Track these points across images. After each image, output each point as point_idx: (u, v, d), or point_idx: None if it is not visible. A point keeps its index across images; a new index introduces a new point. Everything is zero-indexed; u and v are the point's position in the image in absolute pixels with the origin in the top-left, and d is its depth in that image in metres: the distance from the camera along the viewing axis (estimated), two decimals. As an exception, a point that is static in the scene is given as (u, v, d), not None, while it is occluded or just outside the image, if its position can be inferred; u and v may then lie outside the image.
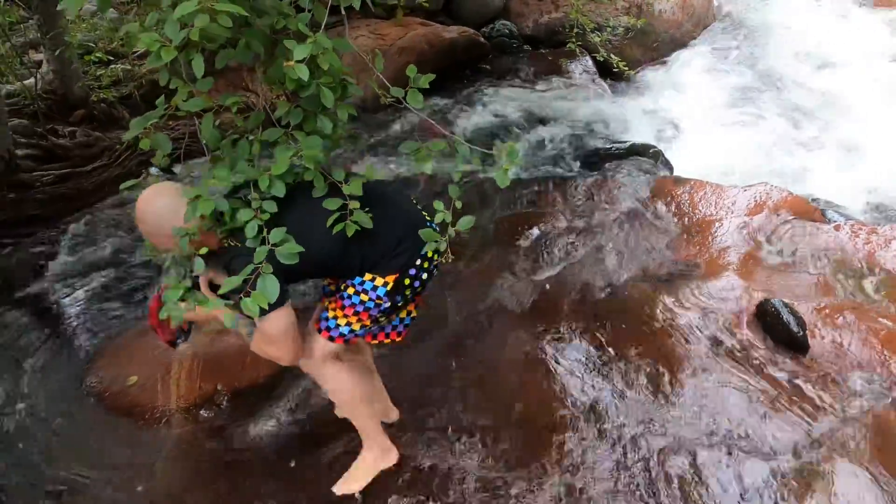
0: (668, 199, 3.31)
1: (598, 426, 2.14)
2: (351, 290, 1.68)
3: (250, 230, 1.30)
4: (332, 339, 1.74)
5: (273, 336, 1.62)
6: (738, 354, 2.36)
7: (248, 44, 1.44)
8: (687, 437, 2.08)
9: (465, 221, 1.39)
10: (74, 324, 2.81)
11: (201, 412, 2.33)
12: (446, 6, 5.73)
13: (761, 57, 5.63)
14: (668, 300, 2.61)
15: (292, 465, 2.11)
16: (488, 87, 4.78)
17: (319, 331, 1.74)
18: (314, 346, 1.75)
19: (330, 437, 2.18)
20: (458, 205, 1.42)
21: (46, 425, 2.33)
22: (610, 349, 2.43)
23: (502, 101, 4.57)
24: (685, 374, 2.30)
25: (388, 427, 2.10)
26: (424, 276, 1.74)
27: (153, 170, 1.62)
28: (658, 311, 2.57)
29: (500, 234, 3.15)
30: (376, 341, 1.93)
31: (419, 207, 1.79)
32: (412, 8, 5.37)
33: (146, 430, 2.29)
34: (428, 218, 1.76)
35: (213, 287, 1.67)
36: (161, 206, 1.56)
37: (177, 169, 3.54)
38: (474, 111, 4.47)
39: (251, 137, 1.37)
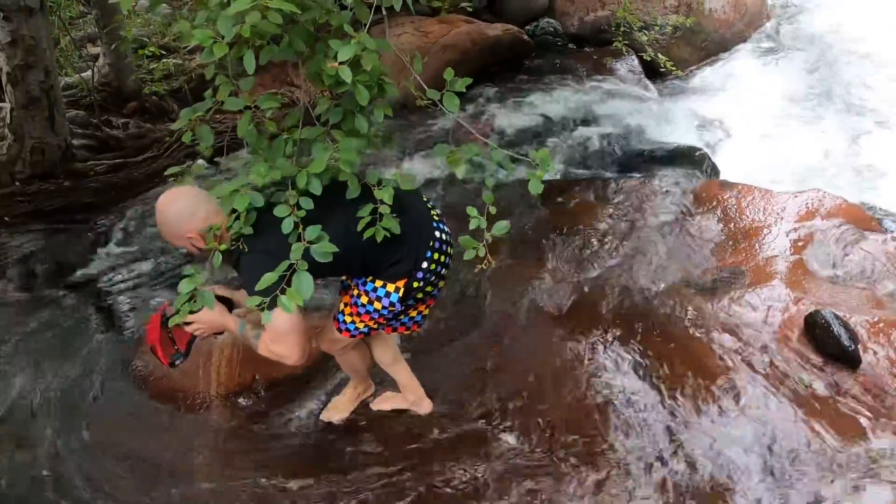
0: (714, 203, 3.22)
1: (632, 435, 2.10)
2: (365, 299, 1.77)
3: (286, 226, 1.31)
4: (346, 331, 1.87)
5: (280, 333, 1.63)
6: (785, 367, 2.28)
7: (291, 41, 1.46)
8: (727, 452, 2.02)
9: (500, 227, 1.38)
10: (123, 308, 2.92)
11: (240, 400, 2.39)
12: (491, 4, 5.70)
13: (816, 58, 5.41)
14: (712, 308, 2.53)
15: (325, 453, 2.14)
16: (531, 85, 4.73)
17: (339, 330, 1.87)
18: (333, 338, 1.92)
19: (363, 429, 2.21)
20: (493, 210, 1.40)
21: (94, 404, 2.42)
22: (649, 356, 2.38)
23: (545, 101, 4.52)
24: (727, 386, 2.23)
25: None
26: (433, 278, 1.78)
27: (199, 161, 1.66)
28: (700, 318, 2.50)
29: (538, 233, 3.12)
30: (387, 332, 2.03)
31: (429, 206, 1.81)
32: (456, 6, 5.36)
33: (187, 413, 2.36)
34: (436, 218, 1.78)
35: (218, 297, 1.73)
36: (179, 208, 1.62)
37: (220, 160, 3.64)
38: (516, 110, 4.43)
39: (286, 136, 1.38)
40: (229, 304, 1.84)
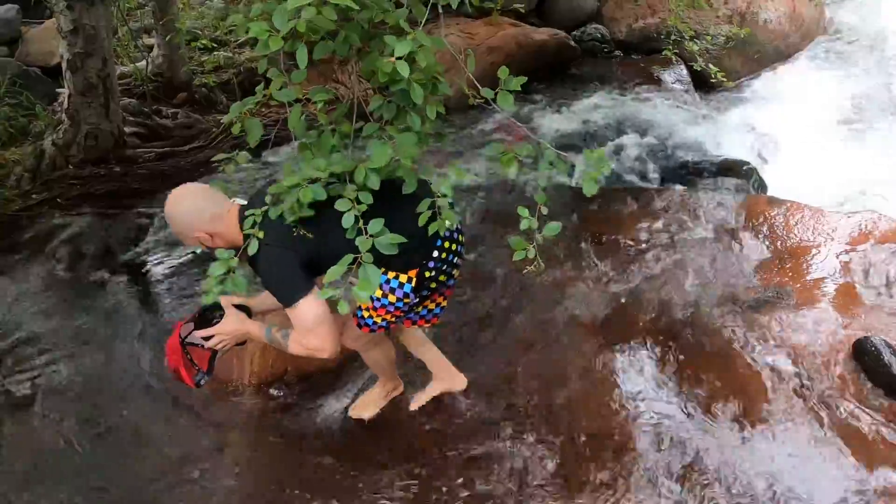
0: (761, 220, 3.12)
1: (659, 452, 2.05)
2: (379, 293, 1.74)
3: (347, 220, 1.31)
4: (366, 327, 1.86)
5: (308, 325, 1.61)
6: (829, 394, 2.19)
7: (346, 37, 1.47)
8: (757, 477, 1.95)
9: (551, 228, 1.36)
10: (164, 292, 2.99)
11: (272, 390, 2.42)
12: (538, 8, 5.67)
13: (873, 74, 5.20)
14: (753, 327, 2.46)
15: (354, 448, 2.16)
16: (576, 91, 4.68)
17: (359, 325, 1.86)
18: (355, 335, 1.93)
19: (391, 425, 2.21)
20: (545, 210, 1.38)
21: (132, 385, 2.48)
22: (685, 373, 2.32)
23: (589, 107, 4.46)
24: (765, 411, 2.15)
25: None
26: (445, 267, 1.76)
27: (243, 152, 1.67)
28: (741, 337, 2.43)
29: (576, 240, 3.07)
30: (406, 326, 2.03)
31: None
32: (503, 9, 5.35)
33: (221, 399, 2.40)
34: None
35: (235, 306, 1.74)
36: (186, 208, 1.64)
37: (264, 153, 3.70)
38: (560, 115, 4.39)
39: (332, 127, 1.39)
40: (247, 312, 1.81)
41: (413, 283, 1.72)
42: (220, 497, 2.05)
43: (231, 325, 1.74)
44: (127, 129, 3.87)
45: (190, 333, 1.77)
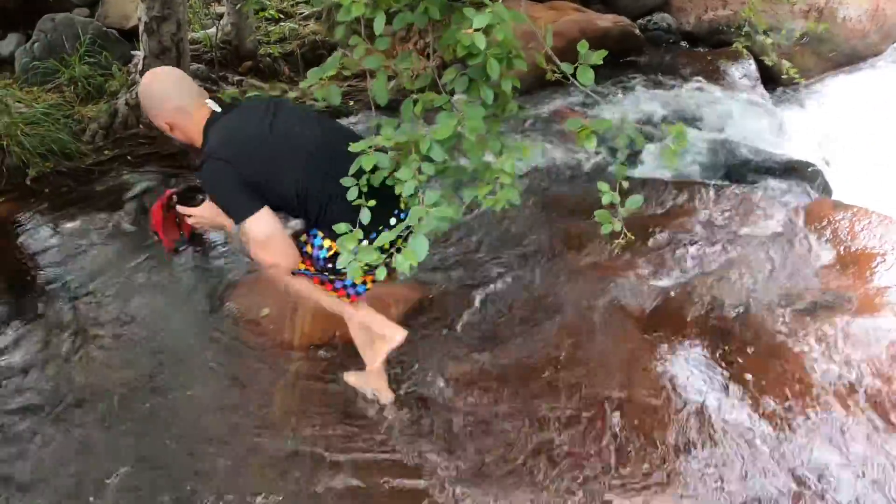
0: (824, 224, 3.02)
1: (702, 448, 2.04)
2: (303, 238, 1.88)
3: (408, 189, 1.35)
4: (300, 274, 1.95)
5: (260, 240, 1.67)
6: (887, 405, 2.13)
7: (426, 9, 1.49)
8: (803, 485, 1.92)
9: (634, 201, 1.36)
10: (221, 252, 3.10)
11: (320, 352, 2.49)
12: (605, -7, 5.55)
13: (960, 81, 4.92)
14: (809, 331, 2.40)
15: (391, 415, 2.21)
16: (637, 81, 4.58)
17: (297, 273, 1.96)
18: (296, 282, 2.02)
19: (430, 398, 2.26)
20: (625, 185, 1.39)
21: (186, 338, 2.60)
22: (734, 371, 2.29)
23: (649, 98, 4.37)
24: (818, 415, 2.11)
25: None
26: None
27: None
28: (795, 341, 2.37)
29: (629, 231, 3.04)
30: (327, 288, 2.05)
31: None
32: (569, -8, 5.27)
33: (271, 357, 2.50)
34: (402, 207, 1.79)
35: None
36: (156, 89, 1.71)
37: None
38: (618, 104, 4.31)
39: (416, 97, 1.42)
40: None
41: (329, 254, 1.80)
42: (261, 452, 2.14)
43: (208, 212, 1.83)
44: (194, 93, 4.00)
45: (176, 203, 1.93)
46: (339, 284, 2.01)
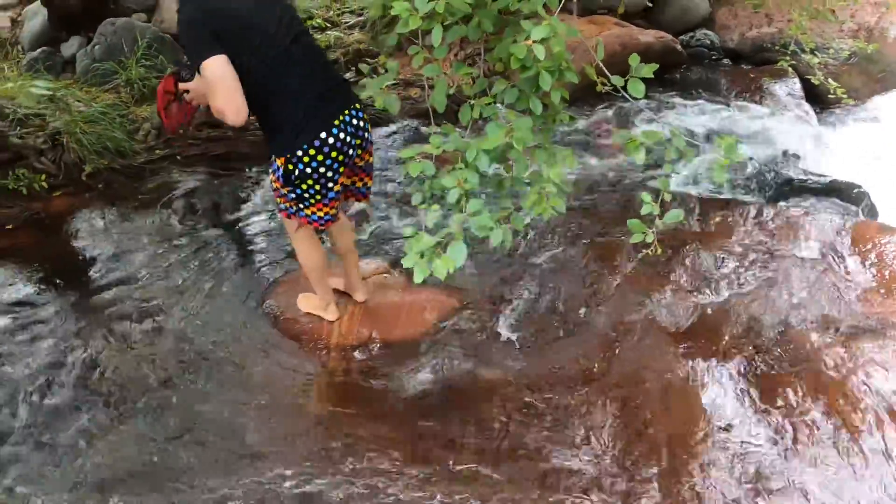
0: (869, 246, 2.96)
1: (735, 469, 2.02)
2: (270, 177, 2.15)
3: (452, 197, 1.39)
4: (283, 211, 2.23)
5: (211, 83, 1.77)
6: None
7: (479, 22, 1.54)
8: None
9: (674, 215, 1.38)
10: (262, 252, 3.19)
11: (355, 353, 2.55)
12: (646, 10, 5.54)
13: None
14: (851, 356, 2.35)
15: (423, 418, 2.26)
16: (678, 96, 4.57)
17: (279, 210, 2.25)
18: (283, 220, 2.33)
19: (466, 401, 2.29)
20: (668, 197, 1.40)
21: (228, 332, 2.69)
22: (771, 393, 2.26)
23: (690, 113, 4.34)
24: (857, 442, 2.07)
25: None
26: (342, 146, 2.03)
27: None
28: (835, 365, 2.33)
29: (667, 247, 3.03)
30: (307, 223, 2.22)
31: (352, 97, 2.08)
32: (609, 8, 5.28)
33: (306, 355, 2.56)
34: (357, 106, 2.07)
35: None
36: None
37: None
38: (658, 119, 4.29)
39: (473, 103, 1.46)
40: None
41: (283, 171, 2.02)
42: (290, 447, 2.20)
43: (194, 84, 1.97)
44: (242, 98, 4.14)
45: (178, 85, 2.07)
46: (313, 216, 2.18)
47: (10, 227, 3.32)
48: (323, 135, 1.98)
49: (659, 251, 1.42)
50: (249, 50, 1.86)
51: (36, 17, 4.85)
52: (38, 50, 4.63)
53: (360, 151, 2.14)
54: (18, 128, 3.56)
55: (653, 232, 1.40)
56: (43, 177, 3.50)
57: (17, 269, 3.03)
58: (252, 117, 1.94)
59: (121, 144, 3.73)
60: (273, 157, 2.08)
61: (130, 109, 4.00)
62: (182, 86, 2.03)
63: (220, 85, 1.76)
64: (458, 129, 1.48)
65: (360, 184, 2.31)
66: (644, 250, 1.45)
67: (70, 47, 4.63)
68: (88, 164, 3.61)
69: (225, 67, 1.76)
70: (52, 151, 3.58)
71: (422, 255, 1.38)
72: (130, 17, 4.66)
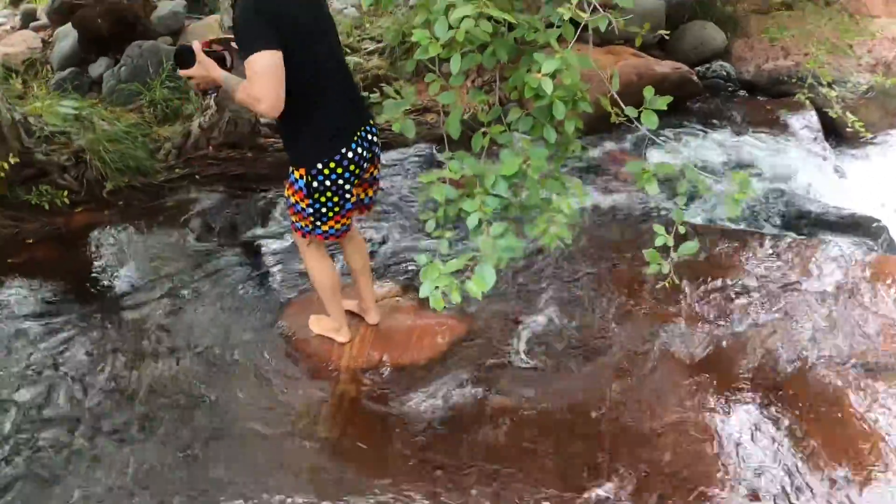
0: (889, 281, 2.91)
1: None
2: (287, 192, 2.19)
3: (472, 221, 1.40)
4: (298, 231, 2.26)
5: (257, 71, 1.77)
6: (953, 475, 2.01)
7: (494, 51, 1.56)
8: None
9: (688, 247, 1.37)
10: (277, 272, 3.22)
11: (365, 376, 2.54)
12: (662, 41, 5.60)
13: None
14: (870, 391, 2.30)
15: (434, 442, 2.23)
16: (693, 127, 4.58)
17: (296, 231, 2.29)
18: (297, 240, 2.37)
19: (475, 426, 2.27)
20: (682, 230, 1.40)
21: (241, 350, 2.70)
22: (787, 429, 2.21)
23: (706, 144, 4.34)
24: (877, 480, 2.01)
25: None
26: (358, 160, 2.10)
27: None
28: (854, 400, 2.28)
29: (681, 277, 3.00)
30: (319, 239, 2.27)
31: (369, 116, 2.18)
32: (626, 38, 5.33)
33: (317, 377, 2.56)
34: (371, 123, 2.17)
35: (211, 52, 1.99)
36: None
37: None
38: (672, 149, 4.30)
39: (485, 131, 1.48)
40: (222, 59, 2.00)
41: (304, 182, 2.07)
42: (298, 470, 2.18)
43: (197, 72, 1.96)
44: (261, 120, 4.21)
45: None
46: (330, 231, 2.22)
47: (30, 241, 3.39)
48: (344, 150, 2.06)
49: (675, 282, 1.41)
50: (303, 53, 1.92)
51: (66, 39, 5.02)
52: (67, 70, 4.78)
53: (368, 165, 2.21)
54: (44, 145, 3.65)
55: (669, 263, 1.39)
56: (65, 193, 3.58)
57: (36, 283, 3.08)
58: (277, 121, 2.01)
59: (142, 163, 3.81)
60: (292, 169, 2.11)
61: (153, 129, 4.11)
62: (182, 72, 2.02)
63: (267, 74, 1.78)
64: (470, 154, 1.50)
65: (363, 196, 2.35)
66: (660, 281, 1.43)
67: (98, 68, 4.77)
68: (110, 182, 3.68)
69: (279, 62, 1.79)
70: (76, 168, 3.67)
71: (437, 287, 1.38)
72: (157, 40, 4.80)
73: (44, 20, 5.75)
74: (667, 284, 1.42)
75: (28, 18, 5.90)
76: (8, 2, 6.62)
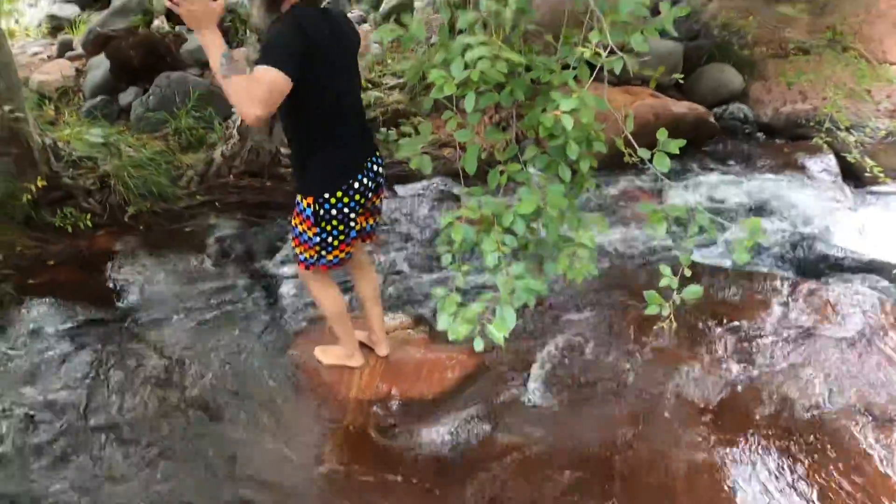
0: (910, 329, 2.85)
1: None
2: (293, 221, 2.23)
3: (491, 260, 1.40)
4: (301, 263, 2.27)
5: (265, 81, 1.74)
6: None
7: (511, 91, 1.59)
8: None
9: (692, 291, 1.36)
10: (289, 300, 3.24)
11: (374, 408, 2.52)
12: (681, 83, 5.65)
13: None
14: (891, 443, 2.23)
15: (434, 484, 2.19)
16: (710, 168, 4.59)
17: (298, 262, 2.30)
18: (301, 272, 2.37)
19: (482, 467, 2.23)
20: (688, 273, 1.39)
21: (252, 376, 2.70)
22: (804, 478, 2.14)
23: (723, 186, 4.34)
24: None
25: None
26: (364, 190, 2.14)
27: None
28: (876, 451, 2.21)
29: (694, 317, 2.97)
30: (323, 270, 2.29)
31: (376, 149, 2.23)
32: (643, 79, 5.40)
33: (325, 407, 2.55)
34: (378, 154, 2.22)
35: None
36: None
37: (395, 186, 3.94)
38: (689, 189, 4.31)
39: (502, 170, 1.50)
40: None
41: (311, 211, 2.10)
42: (303, 502, 2.16)
43: (201, 6, 1.71)
44: (282, 150, 4.30)
45: None
46: (334, 261, 2.25)
47: (51, 262, 3.45)
48: (351, 180, 2.11)
49: (674, 325, 1.39)
50: (326, 84, 1.97)
51: (99, 68, 5.21)
52: (98, 98, 4.94)
53: (373, 195, 2.25)
54: (71, 169, 3.76)
55: (669, 305, 1.38)
56: (88, 216, 3.67)
57: (56, 304, 3.13)
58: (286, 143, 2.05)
59: (164, 189, 3.90)
60: (300, 197, 2.14)
61: (176, 157, 4.21)
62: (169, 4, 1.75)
63: (272, 91, 1.75)
64: (486, 191, 1.51)
65: (365, 224, 2.37)
66: (660, 322, 1.42)
67: (127, 96, 4.93)
68: (132, 206, 3.77)
69: (284, 91, 1.77)
70: (100, 192, 3.76)
71: (454, 317, 1.38)
72: (185, 72, 4.96)
73: (79, 50, 5.99)
74: (663, 327, 1.40)
75: (64, 48, 6.14)
76: (46, 32, 6.92)
